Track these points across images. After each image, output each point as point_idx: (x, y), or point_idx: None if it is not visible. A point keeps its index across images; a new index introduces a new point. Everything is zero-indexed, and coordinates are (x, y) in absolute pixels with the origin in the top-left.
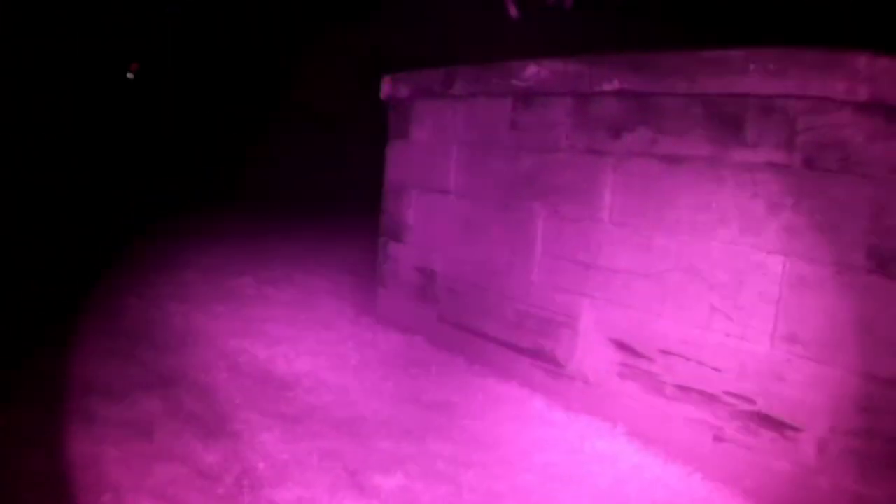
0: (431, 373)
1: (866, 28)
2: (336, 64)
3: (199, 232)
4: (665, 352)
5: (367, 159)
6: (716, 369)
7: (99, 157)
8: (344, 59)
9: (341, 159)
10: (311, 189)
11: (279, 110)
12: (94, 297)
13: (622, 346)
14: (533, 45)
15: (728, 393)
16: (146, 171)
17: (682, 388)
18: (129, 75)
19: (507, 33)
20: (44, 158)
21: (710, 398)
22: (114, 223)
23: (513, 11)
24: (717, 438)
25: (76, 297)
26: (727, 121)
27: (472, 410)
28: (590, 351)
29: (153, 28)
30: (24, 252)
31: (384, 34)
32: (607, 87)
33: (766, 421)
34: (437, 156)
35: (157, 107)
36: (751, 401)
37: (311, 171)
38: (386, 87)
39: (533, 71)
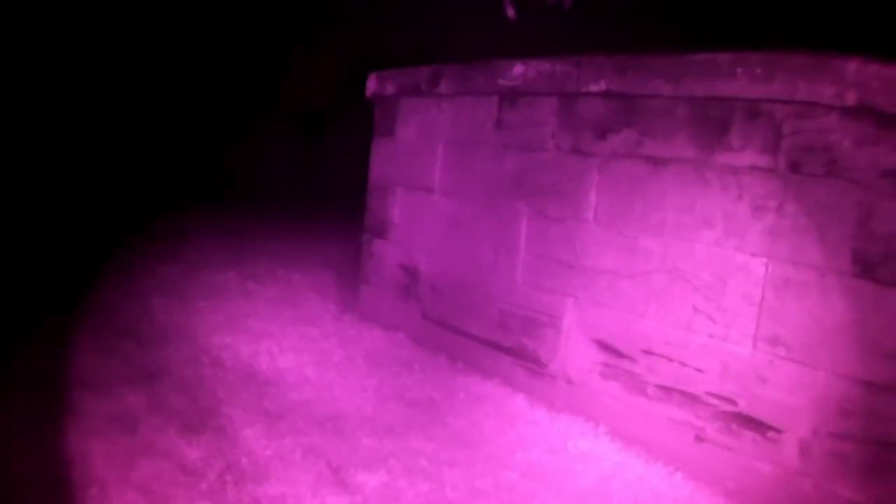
0: (415, 370)
1: (861, 29)
2: (333, 62)
3: (192, 230)
4: (648, 352)
5: (357, 157)
6: (698, 370)
7: (99, 157)
8: (342, 58)
9: (333, 157)
10: (301, 187)
11: (276, 109)
12: (89, 295)
13: (605, 346)
14: (532, 45)
15: (710, 394)
16: (144, 170)
17: (664, 388)
18: None
19: (506, 33)
20: (44, 158)
21: (692, 399)
22: (112, 223)
23: (510, 12)
24: (699, 439)
25: (72, 296)
26: (713, 123)
27: (454, 408)
28: (573, 351)
29: (153, 28)
30: (24, 252)
31: (383, 33)
32: (594, 87)
33: (749, 422)
34: (422, 154)
35: (156, 107)
36: (733, 402)
37: (304, 169)
38: (372, 85)
39: (519, 70)
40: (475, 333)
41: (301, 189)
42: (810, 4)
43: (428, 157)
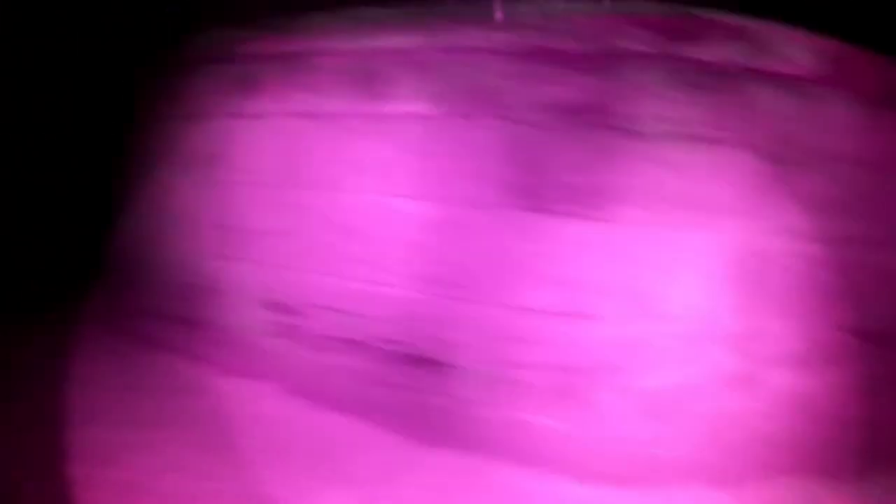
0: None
1: None
2: None
3: None
4: (314, 305)
5: None
6: (363, 317)
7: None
8: None
9: None
10: None
11: None
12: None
13: (273, 304)
14: None
15: (379, 338)
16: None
17: (334, 339)
18: None
19: None
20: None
21: (361, 345)
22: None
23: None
24: (374, 382)
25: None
26: (368, 75)
27: (133, 385)
28: (242, 314)
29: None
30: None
31: None
32: (250, 49)
33: (419, 361)
34: None
35: None
36: (400, 343)
37: None
38: None
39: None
40: (150, 307)
41: None
42: None
43: None
